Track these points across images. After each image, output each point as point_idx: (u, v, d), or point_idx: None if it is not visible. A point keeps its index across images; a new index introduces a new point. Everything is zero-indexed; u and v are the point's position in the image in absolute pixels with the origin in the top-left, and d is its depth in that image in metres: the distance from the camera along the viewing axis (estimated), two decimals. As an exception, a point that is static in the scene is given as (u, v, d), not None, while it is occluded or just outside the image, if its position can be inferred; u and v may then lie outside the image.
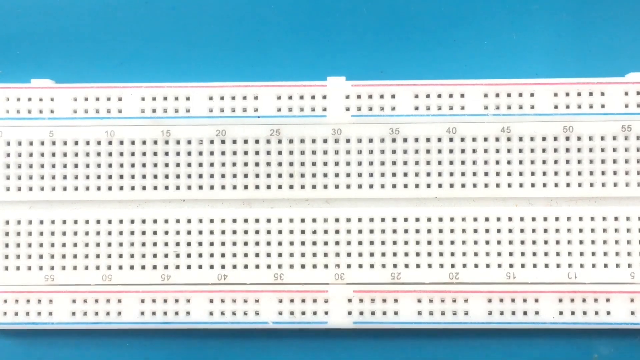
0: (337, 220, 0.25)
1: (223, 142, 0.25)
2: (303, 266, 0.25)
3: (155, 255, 0.25)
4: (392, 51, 0.27)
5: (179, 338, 0.26)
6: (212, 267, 0.25)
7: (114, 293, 0.25)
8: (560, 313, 0.25)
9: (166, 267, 0.25)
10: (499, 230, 0.25)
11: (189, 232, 0.25)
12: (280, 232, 0.25)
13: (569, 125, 0.25)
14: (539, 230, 0.25)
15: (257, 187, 0.25)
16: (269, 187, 0.25)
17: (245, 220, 0.25)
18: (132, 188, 0.25)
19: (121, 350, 0.26)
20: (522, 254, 0.25)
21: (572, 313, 0.25)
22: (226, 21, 0.27)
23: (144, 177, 0.25)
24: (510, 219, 0.25)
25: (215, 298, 0.25)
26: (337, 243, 0.25)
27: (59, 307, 0.25)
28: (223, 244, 0.25)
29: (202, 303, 0.25)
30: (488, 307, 0.25)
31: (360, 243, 0.25)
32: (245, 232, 0.25)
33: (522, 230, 0.25)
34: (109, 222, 0.25)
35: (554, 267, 0.25)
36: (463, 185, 0.25)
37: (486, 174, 0.25)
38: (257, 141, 0.25)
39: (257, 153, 0.25)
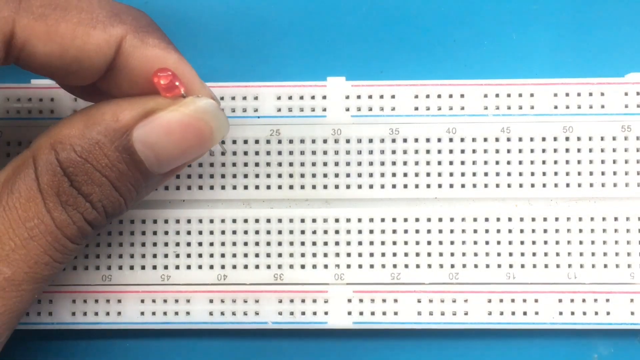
0: (337, 220, 0.25)
1: (223, 142, 0.25)
2: (303, 266, 0.25)
3: (155, 255, 0.25)
4: (392, 51, 0.27)
5: (178, 338, 0.26)
6: (212, 267, 0.25)
7: (114, 293, 0.25)
8: (560, 313, 0.25)
9: (166, 267, 0.25)
10: (498, 231, 0.25)
11: (189, 232, 0.25)
12: (280, 232, 0.25)
13: (568, 126, 0.25)
14: (538, 230, 0.25)
15: (257, 187, 0.25)
16: (268, 187, 0.25)
17: (245, 221, 0.25)
18: (132, 188, 0.25)
19: (121, 350, 0.26)
20: (522, 254, 0.25)
21: (572, 313, 0.25)
22: (226, 21, 0.27)
23: (143, 177, 0.25)
24: (510, 219, 0.25)
25: (215, 298, 0.25)
26: (337, 243, 0.25)
27: (58, 307, 0.25)
28: (223, 244, 0.25)
29: (202, 303, 0.25)
30: (488, 308, 0.25)
31: (360, 243, 0.25)
32: (245, 232, 0.25)
33: (522, 231, 0.25)
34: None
35: (554, 267, 0.25)
36: (463, 186, 0.25)
37: (486, 174, 0.25)
38: (257, 141, 0.25)
39: (257, 153, 0.25)
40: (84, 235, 0.20)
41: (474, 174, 0.25)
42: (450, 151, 0.25)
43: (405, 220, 0.25)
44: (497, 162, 0.25)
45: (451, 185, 0.25)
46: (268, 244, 0.25)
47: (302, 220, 0.25)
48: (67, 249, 0.19)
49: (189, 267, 0.25)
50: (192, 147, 0.20)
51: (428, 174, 0.25)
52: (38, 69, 0.19)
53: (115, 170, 0.19)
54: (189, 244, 0.25)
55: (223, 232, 0.25)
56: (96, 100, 0.21)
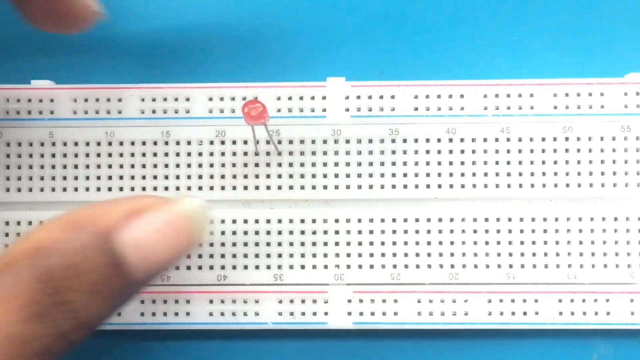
0: (336, 220, 0.25)
1: (223, 142, 0.25)
2: (303, 267, 0.25)
3: (155, 256, 0.25)
4: (392, 51, 0.27)
5: (178, 339, 0.26)
6: (211, 267, 0.25)
7: (114, 294, 0.25)
8: (560, 313, 0.25)
9: (166, 267, 0.25)
10: (498, 231, 0.25)
11: (188, 233, 0.25)
12: (280, 232, 0.25)
13: (568, 126, 0.25)
14: (538, 230, 0.25)
15: (256, 187, 0.25)
16: (268, 187, 0.25)
17: (245, 221, 0.25)
18: (132, 189, 0.25)
19: (121, 350, 0.26)
20: (522, 254, 0.25)
21: (572, 313, 0.25)
22: (225, 21, 0.27)
23: (143, 178, 0.25)
24: (509, 219, 0.25)
25: (215, 299, 0.25)
26: (336, 244, 0.25)
27: (59, 307, 0.25)
28: (223, 244, 0.25)
29: (202, 303, 0.25)
30: (488, 308, 0.25)
31: (360, 244, 0.25)
32: (245, 232, 0.25)
33: (521, 231, 0.25)
34: (109, 222, 0.25)
35: (554, 267, 0.25)
36: (463, 186, 0.25)
37: (486, 174, 0.25)
38: (257, 142, 0.25)
39: (257, 154, 0.25)
40: (59, 349, 0.17)
41: (474, 174, 0.25)
42: (450, 151, 0.25)
43: (405, 220, 0.25)
44: (497, 162, 0.25)
45: (451, 185, 0.25)
46: (268, 244, 0.25)
47: (302, 221, 0.25)
48: None
49: (188, 267, 0.25)
50: (180, 248, 0.19)
51: (428, 174, 0.25)
52: None
53: (100, 275, 0.18)
54: (189, 245, 0.25)
55: (223, 233, 0.25)
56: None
